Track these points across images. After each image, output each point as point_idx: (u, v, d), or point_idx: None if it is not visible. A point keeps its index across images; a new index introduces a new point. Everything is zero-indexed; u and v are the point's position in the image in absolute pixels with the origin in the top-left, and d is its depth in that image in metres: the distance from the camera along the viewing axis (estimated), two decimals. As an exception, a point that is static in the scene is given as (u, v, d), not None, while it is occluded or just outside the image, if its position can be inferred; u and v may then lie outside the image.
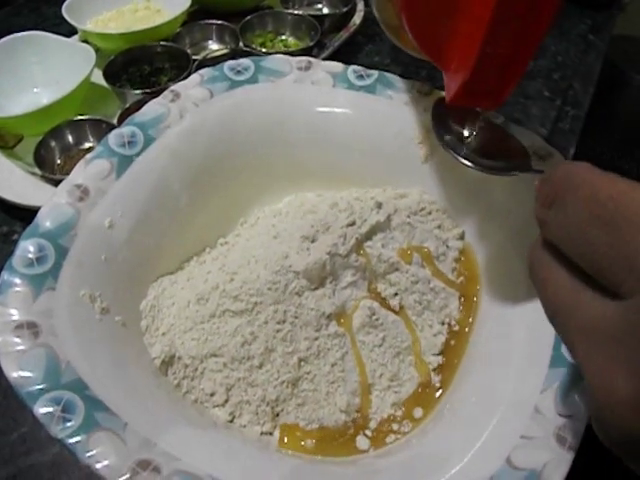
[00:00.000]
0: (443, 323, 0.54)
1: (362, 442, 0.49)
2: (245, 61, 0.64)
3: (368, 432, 0.49)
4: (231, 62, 0.64)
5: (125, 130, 0.57)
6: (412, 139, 0.61)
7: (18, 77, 0.90)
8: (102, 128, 0.79)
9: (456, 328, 0.54)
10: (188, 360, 0.50)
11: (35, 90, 0.91)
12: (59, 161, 0.79)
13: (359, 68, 0.64)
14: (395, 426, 0.49)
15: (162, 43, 0.93)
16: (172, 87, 0.61)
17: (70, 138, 0.81)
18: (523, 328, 0.47)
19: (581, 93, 0.95)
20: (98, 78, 0.90)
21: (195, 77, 0.63)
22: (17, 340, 0.42)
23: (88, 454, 0.37)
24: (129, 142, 0.56)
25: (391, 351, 0.51)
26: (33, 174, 0.77)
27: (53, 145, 0.79)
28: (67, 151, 0.80)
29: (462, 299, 0.55)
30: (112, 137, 0.56)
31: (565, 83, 0.96)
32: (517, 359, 0.45)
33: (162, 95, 0.60)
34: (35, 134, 0.80)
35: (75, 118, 0.81)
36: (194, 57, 0.90)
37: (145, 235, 0.54)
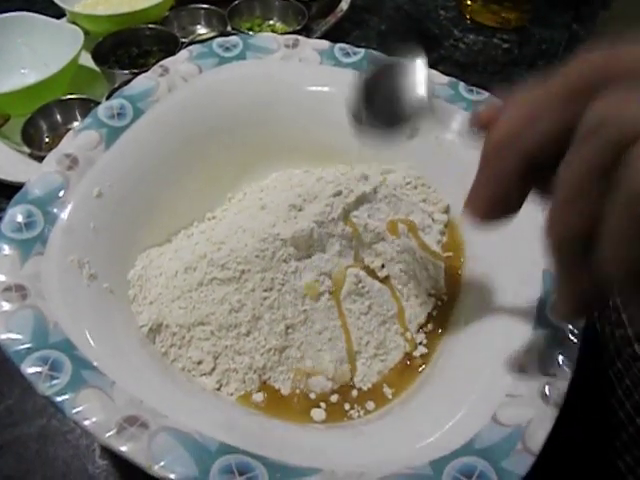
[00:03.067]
0: (429, 294, 0.54)
1: (347, 407, 0.49)
2: (234, 38, 0.65)
3: (354, 398, 0.50)
4: (220, 39, 0.64)
5: (114, 103, 0.57)
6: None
7: (5, 58, 0.90)
8: (91, 107, 0.78)
9: (441, 298, 0.54)
10: (175, 328, 0.50)
11: (22, 71, 0.91)
12: (47, 140, 0.79)
13: (346, 46, 0.65)
14: (381, 392, 0.50)
15: (150, 26, 0.93)
16: (161, 62, 0.62)
17: (59, 117, 0.81)
18: (507, 295, 0.48)
19: (566, 80, 0.95)
20: (87, 61, 0.89)
21: (184, 53, 0.63)
22: (5, 302, 0.43)
23: (75, 410, 0.38)
24: (118, 114, 0.56)
25: (377, 319, 0.52)
26: (21, 152, 0.77)
27: (41, 123, 0.79)
28: (55, 130, 0.80)
29: (447, 271, 0.56)
30: (101, 109, 0.56)
31: (549, 70, 0.97)
32: (501, 323, 0.46)
33: (151, 70, 0.61)
34: (22, 114, 0.79)
35: (64, 97, 0.81)
36: (182, 40, 0.90)
37: (133, 206, 0.55)
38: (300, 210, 0.53)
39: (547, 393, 0.39)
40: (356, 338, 0.51)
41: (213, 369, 0.50)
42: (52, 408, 0.39)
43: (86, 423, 0.37)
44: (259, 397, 0.49)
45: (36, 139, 0.78)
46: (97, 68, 0.88)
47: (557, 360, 0.41)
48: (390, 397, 0.50)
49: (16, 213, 0.48)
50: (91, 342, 0.43)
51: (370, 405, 0.49)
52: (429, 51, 0.98)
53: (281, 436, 0.43)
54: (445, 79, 0.61)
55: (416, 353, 0.52)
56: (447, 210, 0.60)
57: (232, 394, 0.49)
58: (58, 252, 0.47)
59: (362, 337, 0.51)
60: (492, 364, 0.43)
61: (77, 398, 0.38)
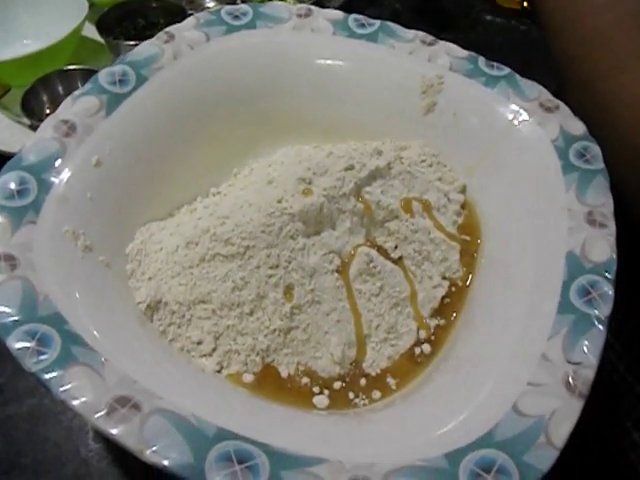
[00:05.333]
0: (444, 277, 0.51)
1: (352, 396, 0.46)
2: (243, 6, 0.62)
3: (360, 386, 0.47)
4: (229, 7, 0.62)
5: (116, 68, 0.54)
6: (414, 90, 0.58)
7: (7, 28, 0.88)
8: (93, 78, 0.76)
9: (456, 282, 0.52)
10: (175, 306, 0.47)
11: (25, 42, 0.89)
12: (48, 111, 0.77)
13: (360, 17, 0.62)
14: (392, 378, 0.47)
15: (157, -3, 0.90)
16: (167, 29, 0.59)
17: (60, 88, 0.78)
18: (528, 279, 0.45)
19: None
20: (92, 33, 0.87)
21: (191, 20, 0.60)
22: (-8, 273, 0.40)
23: (63, 389, 0.35)
24: (120, 80, 0.54)
25: (389, 301, 0.49)
26: (21, 123, 0.75)
27: (42, 94, 0.77)
28: (56, 101, 0.76)
29: (463, 253, 0.53)
30: (102, 75, 0.54)
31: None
32: (521, 308, 0.43)
33: (156, 36, 0.58)
34: (23, 84, 0.77)
35: (65, 68, 0.78)
36: (190, 12, 0.87)
37: (133, 177, 0.52)
38: (309, 184, 0.50)
39: (572, 382, 0.37)
40: (366, 320, 0.48)
41: (214, 350, 0.47)
42: (44, 388, 0.37)
43: (74, 403, 0.35)
44: (256, 378, 0.46)
45: (37, 110, 0.76)
46: (102, 40, 0.85)
47: (582, 347, 0.38)
48: (395, 387, 0.47)
49: (9, 180, 0.45)
50: (83, 317, 0.40)
51: (376, 394, 0.46)
52: (445, 31, 0.95)
53: (284, 423, 0.40)
54: (464, 53, 0.58)
55: (428, 338, 0.49)
56: (464, 190, 0.57)
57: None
58: (52, 222, 0.45)
59: (372, 320, 0.48)
60: (512, 351, 0.40)
61: (65, 375, 0.36)
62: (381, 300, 0.49)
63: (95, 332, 0.40)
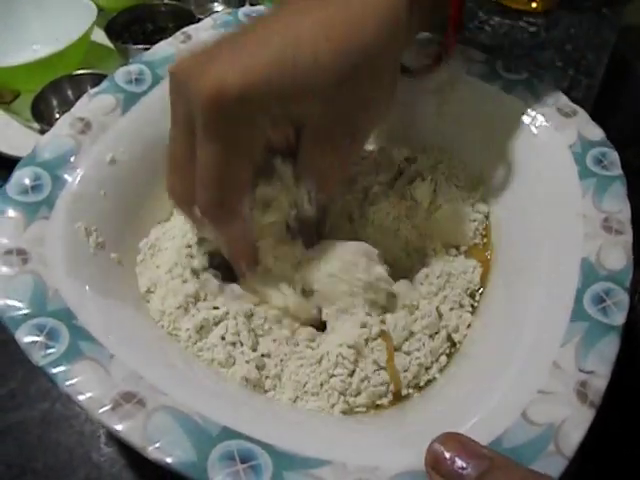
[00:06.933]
0: (466, 292, 0.50)
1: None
2: (260, 8, 0.62)
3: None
4: (245, 8, 0.62)
5: (133, 68, 0.54)
6: (428, 93, 0.58)
7: (16, 33, 0.89)
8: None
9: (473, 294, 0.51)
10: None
11: (34, 47, 0.89)
12: (58, 115, 0.77)
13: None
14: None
15: (166, 2, 0.91)
16: (184, 29, 0.59)
17: (70, 93, 0.79)
18: (540, 284, 0.44)
19: (594, 63, 0.91)
20: (101, 37, 0.87)
21: (208, 21, 0.60)
22: (4, 266, 0.40)
23: (69, 383, 0.35)
24: (136, 79, 0.54)
25: (425, 338, 0.47)
26: (31, 128, 0.76)
27: (52, 99, 0.78)
28: (66, 105, 0.76)
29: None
30: (119, 74, 0.54)
31: (578, 54, 0.93)
32: (533, 315, 0.42)
33: (173, 36, 0.58)
34: (32, 89, 0.78)
35: (75, 73, 0.79)
36: (199, 17, 0.87)
37: (147, 176, 0.52)
38: None
39: (584, 391, 0.36)
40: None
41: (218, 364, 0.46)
42: (56, 392, 0.37)
43: (79, 397, 0.35)
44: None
45: (46, 115, 0.76)
46: (111, 45, 0.86)
47: (595, 356, 0.37)
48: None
49: (23, 175, 0.46)
50: (92, 312, 0.40)
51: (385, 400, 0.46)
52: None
53: (288, 424, 0.40)
54: (482, 56, 0.58)
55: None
56: (483, 197, 0.55)
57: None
58: (65, 217, 0.45)
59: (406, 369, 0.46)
60: (522, 358, 0.40)
61: (72, 370, 0.36)
62: (418, 348, 0.46)
63: (103, 327, 0.39)
